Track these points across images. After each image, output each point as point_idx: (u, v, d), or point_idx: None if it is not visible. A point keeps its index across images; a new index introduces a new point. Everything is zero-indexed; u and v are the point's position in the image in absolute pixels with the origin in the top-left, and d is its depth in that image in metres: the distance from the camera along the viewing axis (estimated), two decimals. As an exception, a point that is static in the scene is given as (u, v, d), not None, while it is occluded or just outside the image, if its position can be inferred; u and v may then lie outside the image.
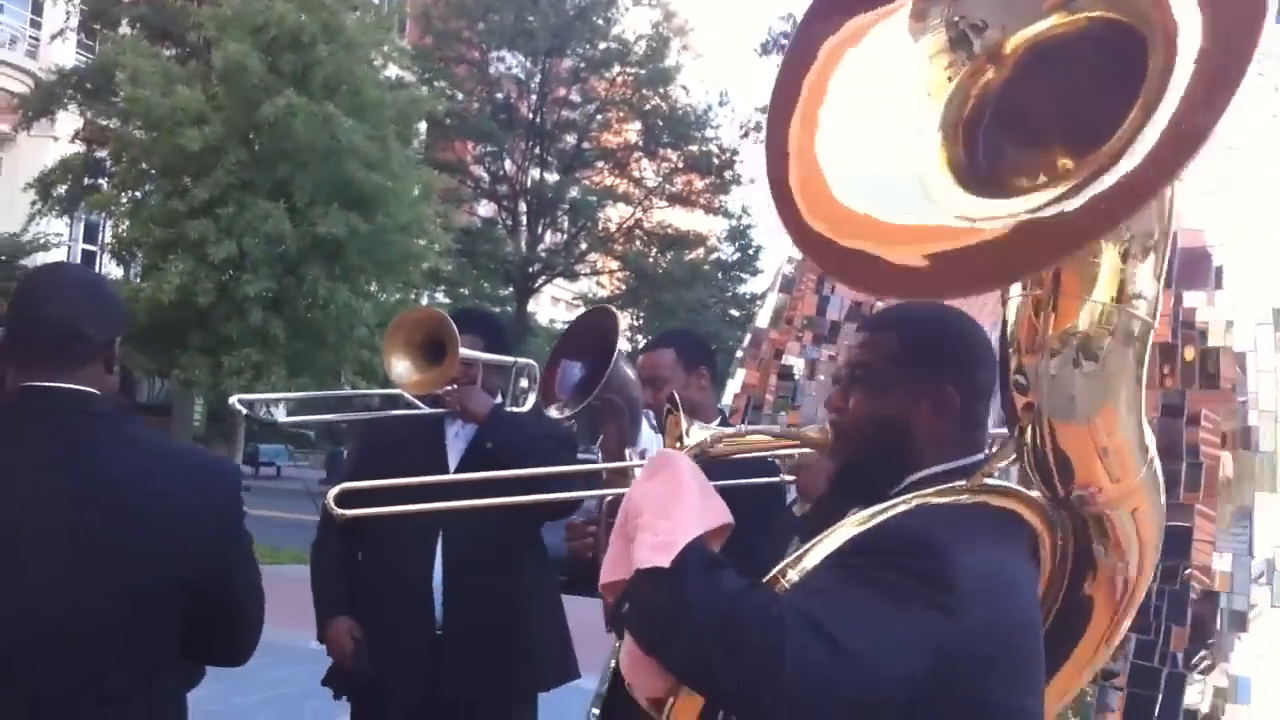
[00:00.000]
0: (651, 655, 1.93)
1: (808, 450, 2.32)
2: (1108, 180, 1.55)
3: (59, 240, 34.89)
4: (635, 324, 37.84)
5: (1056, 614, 2.01)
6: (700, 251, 39.96)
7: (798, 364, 4.74)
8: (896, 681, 1.72)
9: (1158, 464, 1.91)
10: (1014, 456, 1.90)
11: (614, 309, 3.59)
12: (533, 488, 3.14)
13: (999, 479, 1.97)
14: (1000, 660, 1.79)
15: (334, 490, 2.32)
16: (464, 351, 3.78)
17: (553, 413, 3.34)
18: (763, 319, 4.95)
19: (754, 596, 1.80)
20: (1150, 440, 1.87)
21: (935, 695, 1.74)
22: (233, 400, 3.76)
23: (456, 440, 4.05)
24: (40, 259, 34.78)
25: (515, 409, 4.13)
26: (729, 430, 2.35)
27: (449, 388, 3.90)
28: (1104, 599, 2.01)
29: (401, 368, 3.84)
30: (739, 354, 5.02)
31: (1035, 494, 1.92)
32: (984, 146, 1.87)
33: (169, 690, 2.41)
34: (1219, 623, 3.24)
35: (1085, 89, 1.88)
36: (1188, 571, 3.30)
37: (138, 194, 17.20)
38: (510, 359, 4.18)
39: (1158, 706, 3.27)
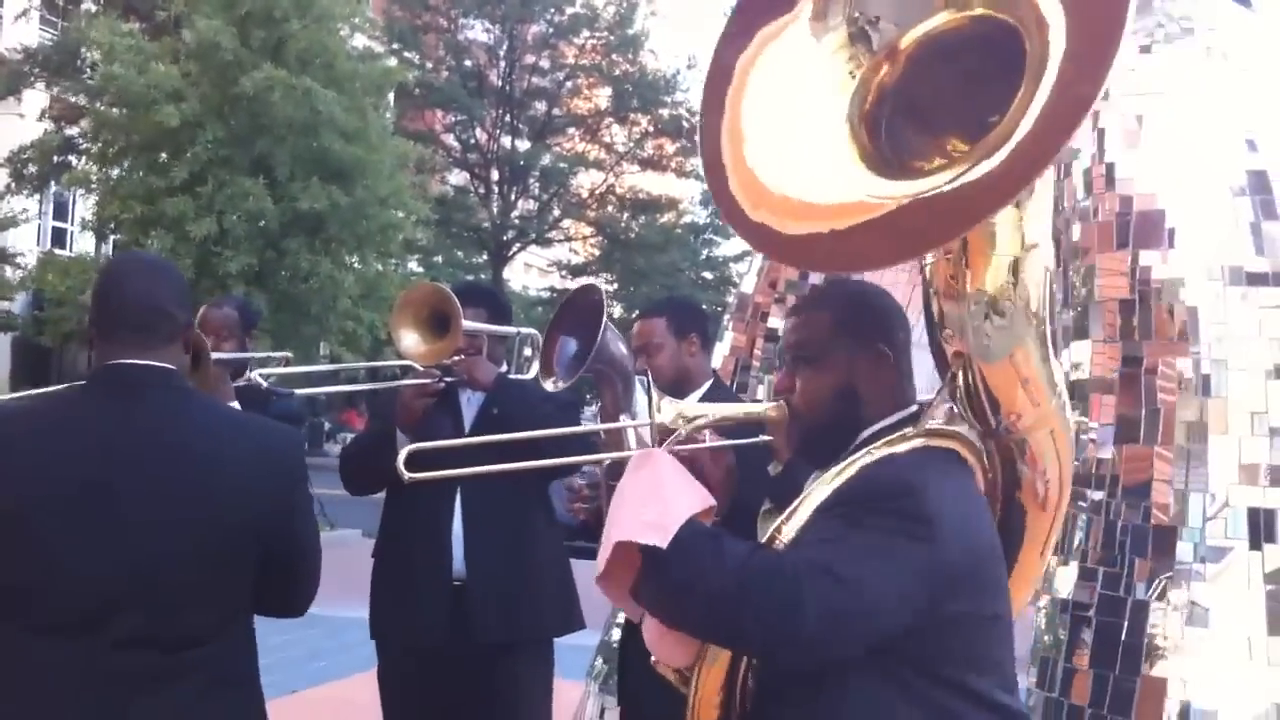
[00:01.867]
0: (675, 629, 2.19)
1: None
2: (998, 157, 1.82)
3: (27, 217, 34.81)
4: (609, 289, 37.97)
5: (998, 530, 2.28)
6: (672, 215, 40.05)
7: (782, 326, 5.00)
8: (901, 607, 2.00)
9: (1064, 393, 2.23)
10: (949, 400, 2.20)
11: (600, 286, 3.81)
12: (540, 448, 3.42)
13: (938, 422, 2.26)
14: (973, 577, 2.08)
15: (404, 451, 2.54)
16: (467, 324, 4.02)
17: (549, 386, 3.57)
18: (748, 284, 5.21)
19: (763, 556, 2.06)
20: (1058, 372, 2.18)
21: (925, 615, 2.02)
22: (254, 375, 3.97)
23: (469, 406, 4.28)
24: (10, 236, 34.73)
25: (520, 376, 4.36)
26: (698, 409, 2.50)
27: (457, 358, 4.14)
28: (1034, 511, 2.32)
29: (410, 340, 4.07)
30: (725, 318, 5.27)
31: (966, 431, 2.21)
32: (887, 135, 2.14)
33: (245, 633, 2.68)
34: (1177, 555, 3.53)
35: (973, 79, 2.16)
36: (1147, 507, 3.59)
37: (116, 171, 17.18)
38: (513, 329, 4.42)
39: (1124, 632, 3.56)
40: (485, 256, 37.56)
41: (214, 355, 3.99)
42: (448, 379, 4.20)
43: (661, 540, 2.06)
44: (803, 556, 2.01)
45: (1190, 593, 3.50)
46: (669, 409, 2.44)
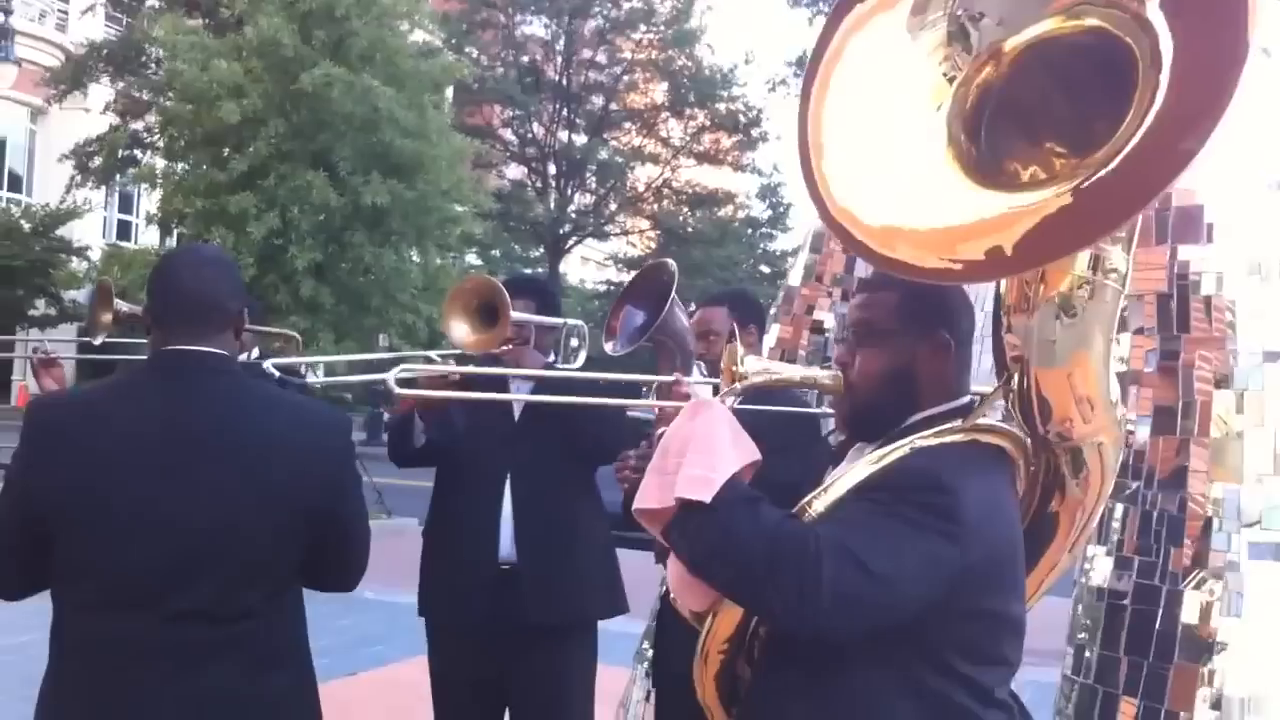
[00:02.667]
0: (698, 577, 2.27)
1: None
2: (1104, 185, 1.87)
3: (90, 208, 35.40)
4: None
5: (1027, 529, 2.35)
6: (729, 209, 40.07)
7: (828, 319, 5.07)
8: (916, 599, 2.08)
9: (1120, 409, 2.28)
10: (1002, 399, 2.26)
11: (672, 265, 3.95)
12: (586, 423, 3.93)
13: (989, 419, 2.31)
14: (994, 576, 2.16)
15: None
16: (515, 314, 4.13)
17: (609, 348, 3.74)
18: (794, 277, 5.28)
19: (791, 528, 2.12)
20: (1115, 390, 2.21)
21: (938, 608, 2.10)
22: (267, 364, 4.08)
23: (519, 394, 4.41)
24: (76, 228, 35.35)
25: (566, 366, 4.48)
26: (770, 364, 2.75)
27: (505, 347, 4.25)
28: (1066, 517, 2.39)
29: (460, 330, 4.18)
30: (773, 310, 5.34)
31: (1016, 430, 2.27)
32: (987, 137, 2.19)
33: (295, 608, 2.80)
34: (1212, 544, 3.58)
35: (1078, 89, 2.19)
36: (1183, 497, 3.64)
37: (182, 166, 17.49)
38: (560, 320, 4.53)
39: (1158, 620, 3.61)
40: (542, 250, 37.78)
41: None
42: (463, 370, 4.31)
43: (705, 495, 2.13)
44: (831, 535, 2.07)
45: (1226, 582, 3.54)
46: (753, 362, 2.55)
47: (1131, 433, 3.79)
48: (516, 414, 4.38)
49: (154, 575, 2.56)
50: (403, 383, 3.27)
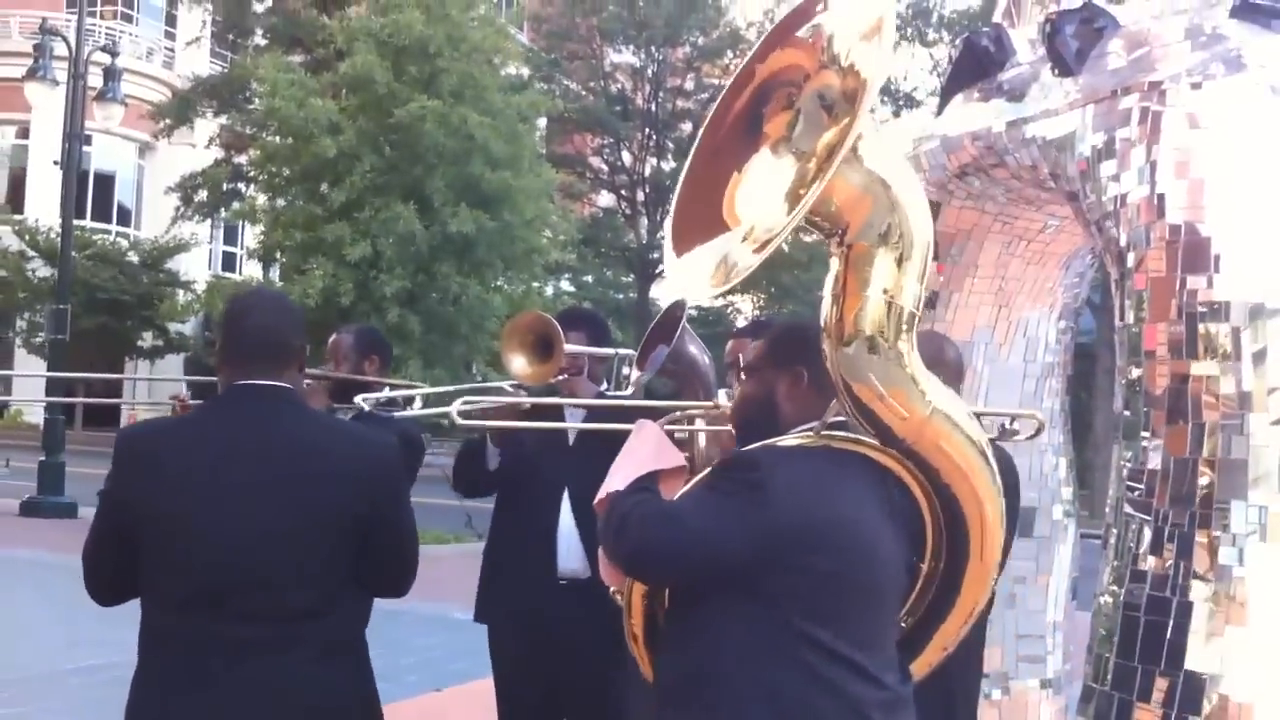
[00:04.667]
0: (605, 555, 2.82)
1: None
2: None
3: (197, 241, 36.48)
4: (757, 307, 38.27)
5: (946, 526, 2.76)
6: (817, 234, 40.11)
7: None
8: (726, 550, 2.54)
9: (947, 412, 2.59)
10: (843, 415, 2.63)
11: (684, 302, 4.29)
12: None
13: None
14: (821, 541, 2.54)
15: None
16: (568, 347, 4.44)
17: (636, 377, 4.07)
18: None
19: (645, 504, 2.70)
20: (931, 392, 2.56)
21: (769, 563, 2.52)
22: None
23: (573, 420, 4.69)
24: (183, 260, 36.48)
25: (619, 394, 4.76)
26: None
27: (561, 377, 4.56)
28: (970, 512, 2.73)
29: (518, 364, 4.48)
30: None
31: (867, 439, 2.65)
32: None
33: (351, 609, 3.13)
34: (1220, 559, 3.78)
35: None
36: (1193, 514, 3.84)
37: (280, 201, 18.11)
38: (610, 350, 4.81)
39: (1169, 631, 3.82)
40: (632, 276, 38.15)
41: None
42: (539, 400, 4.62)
43: (604, 493, 2.82)
44: (667, 507, 2.70)
45: (1233, 594, 3.74)
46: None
47: (1146, 450, 4.02)
48: (571, 438, 4.64)
49: (224, 580, 2.91)
50: (465, 414, 3.65)
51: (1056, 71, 4.60)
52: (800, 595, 2.55)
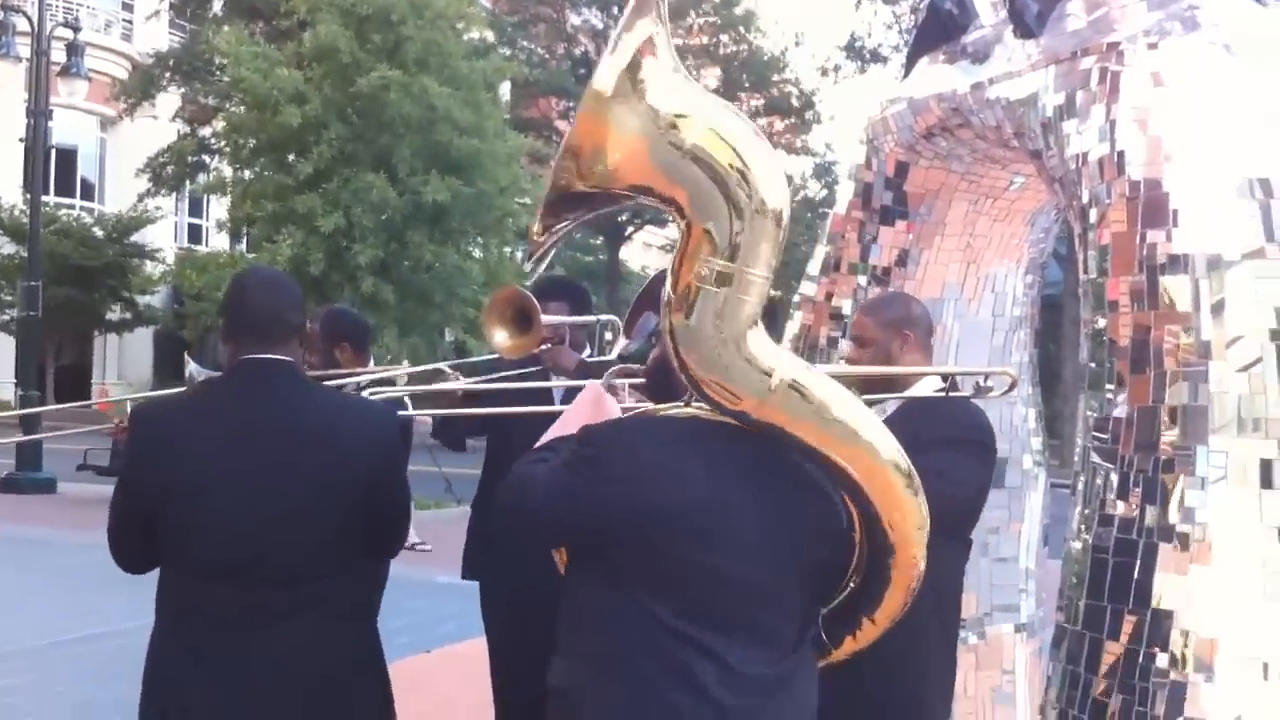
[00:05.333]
0: None
1: None
2: None
3: (163, 214, 36.28)
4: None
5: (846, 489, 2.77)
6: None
7: (846, 306, 5.46)
8: (560, 523, 2.71)
9: (792, 389, 2.59)
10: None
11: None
12: None
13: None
14: (648, 521, 2.58)
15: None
16: (546, 318, 4.56)
17: (624, 345, 4.16)
18: (814, 266, 5.68)
19: (529, 465, 2.81)
20: (772, 366, 2.57)
21: (602, 538, 2.63)
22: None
23: (559, 390, 4.78)
24: (149, 233, 36.28)
25: (602, 358, 4.89)
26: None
27: (544, 347, 4.68)
28: (858, 474, 2.72)
29: (499, 337, 4.61)
30: (795, 299, 5.74)
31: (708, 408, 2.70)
32: None
33: (360, 576, 3.29)
34: (1185, 501, 3.94)
35: None
36: (1156, 459, 4.00)
37: (247, 173, 18.09)
38: (592, 318, 4.95)
39: (1136, 571, 3.97)
40: (601, 239, 38.20)
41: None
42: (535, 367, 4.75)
43: None
44: (524, 471, 2.80)
45: (1197, 535, 3.90)
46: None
47: (1110, 400, 4.17)
48: (557, 401, 4.77)
49: (238, 548, 3.06)
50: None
51: (1018, 34, 4.73)
52: (640, 571, 2.60)
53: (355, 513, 3.16)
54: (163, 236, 38.43)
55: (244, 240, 24.58)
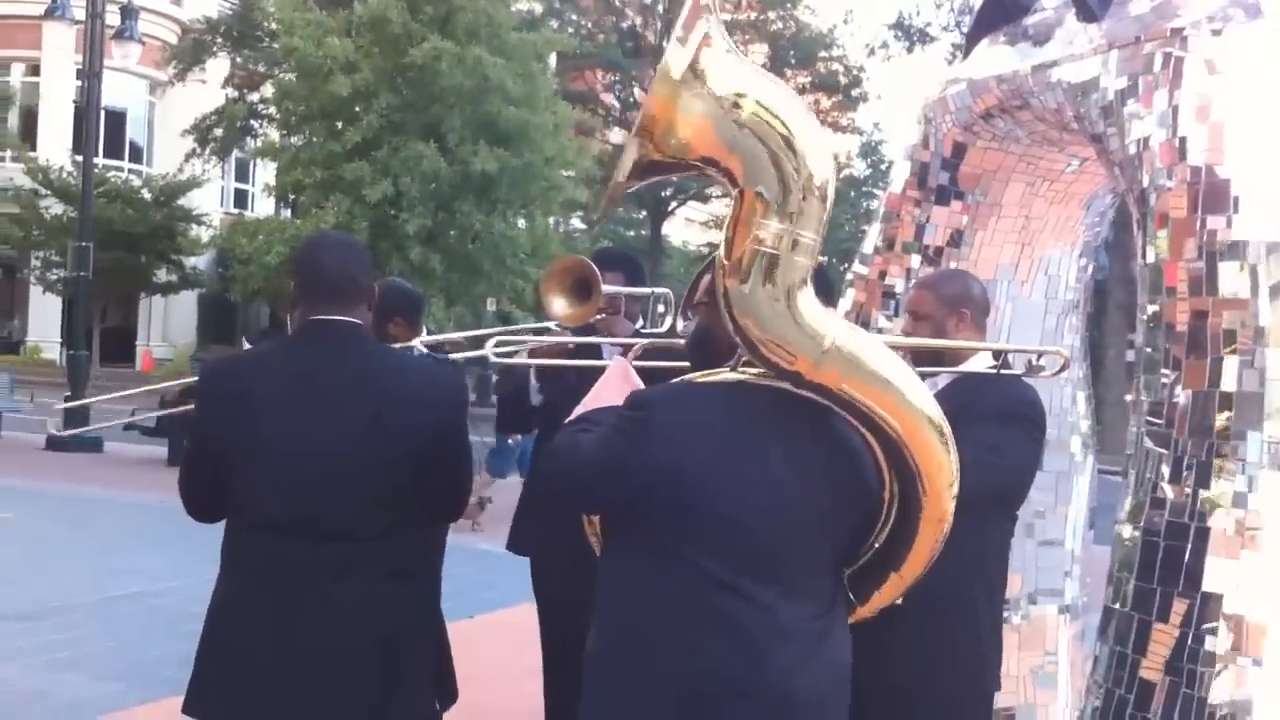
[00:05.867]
0: None
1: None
2: None
3: (209, 178, 36.57)
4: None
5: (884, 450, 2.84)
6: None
7: (900, 284, 5.48)
8: (603, 481, 2.74)
9: (843, 349, 2.69)
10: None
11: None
12: None
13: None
14: (694, 480, 2.67)
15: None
16: (606, 287, 4.61)
17: (682, 321, 4.19)
18: (868, 245, 5.71)
19: (564, 437, 2.87)
20: (823, 328, 2.68)
21: (649, 497, 2.70)
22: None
23: (610, 358, 4.87)
24: (195, 197, 36.57)
25: (655, 330, 4.94)
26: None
27: (598, 317, 4.73)
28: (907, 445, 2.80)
29: (558, 305, 4.65)
30: (848, 277, 5.77)
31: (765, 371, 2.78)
32: None
33: (419, 538, 3.38)
34: (1235, 486, 3.96)
35: None
36: (1210, 444, 4.02)
37: (297, 140, 18.20)
38: (647, 290, 4.99)
39: (1187, 555, 4.00)
40: (644, 214, 38.19)
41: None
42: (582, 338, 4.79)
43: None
44: (571, 439, 2.85)
45: (1248, 521, 3.92)
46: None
47: (1166, 385, 4.19)
48: None
49: (301, 501, 3.14)
50: (500, 355, 3.84)
51: (1080, 17, 4.73)
52: (687, 529, 2.69)
53: (414, 474, 3.22)
54: (209, 201, 38.72)
55: (290, 207, 24.69)
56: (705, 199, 41.20)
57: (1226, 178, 4.09)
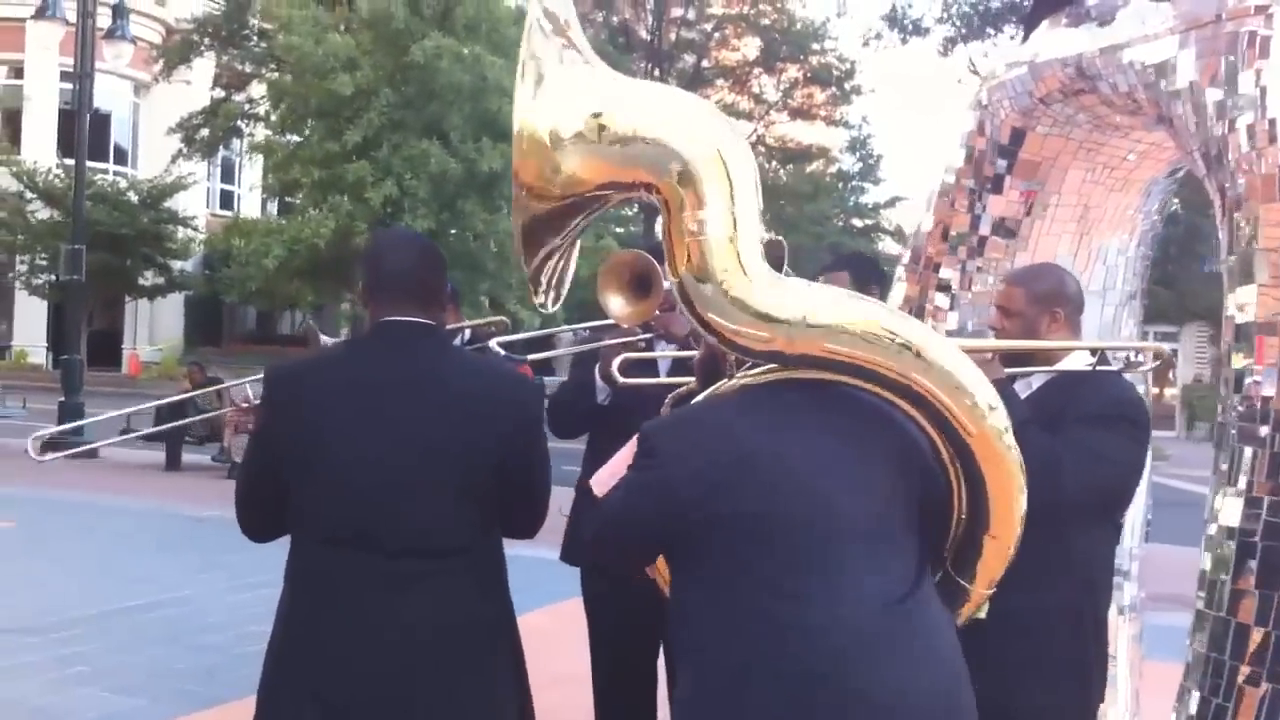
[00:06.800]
0: None
1: None
2: None
3: (195, 180, 36.27)
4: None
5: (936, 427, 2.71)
6: (821, 164, 40.03)
7: (954, 276, 5.31)
8: (641, 522, 2.64)
9: (809, 320, 2.60)
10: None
11: (783, 241, 4.22)
12: None
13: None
14: (714, 488, 2.57)
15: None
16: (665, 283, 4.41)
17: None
18: (920, 235, 5.53)
19: (598, 503, 2.78)
20: (789, 300, 2.61)
21: (678, 524, 2.59)
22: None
23: (664, 362, 4.63)
24: (181, 199, 36.27)
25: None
26: None
27: (655, 314, 4.53)
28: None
29: (615, 304, 4.42)
30: (899, 268, 5.59)
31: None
32: None
33: (493, 547, 3.16)
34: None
35: None
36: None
37: (293, 138, 17.95)
38: None
39: (1287, 556, 3.84)
40: (638, 209, 38.02)
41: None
42: (647, 335, 4.61)
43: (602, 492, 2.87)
44: (601, 501, 2.78)
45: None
46: None
47: (1257, 382, 4.02)
48: (663, 373, 4.63)
49: (369, 513, 2.94)
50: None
51: (1153, -4, 4.55)
52: (725, 542, 2.57)
53: (490, 484, 3.04)
54: (195, 203, 38.46)
55: (276, 205, 24.42)
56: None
57: (1322, 160, 3.91)
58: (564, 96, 2.60)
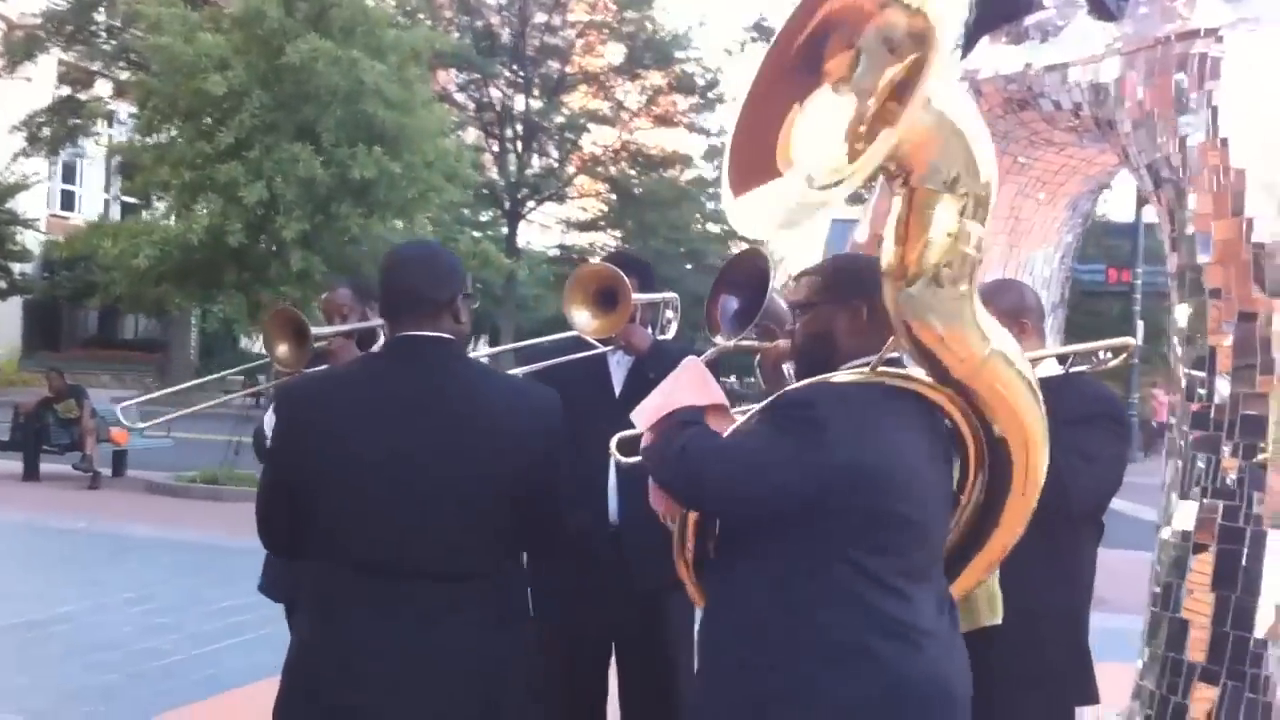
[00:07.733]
0: (657, 483, 2.95)
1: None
2: None
3: (37, 179, 34.94)
4: (619, 246, 38.22)
5: (990, 463, 2.88)
6: (677, 170, 40.30)
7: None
8: (783, 486, 2.63)
9: (1004, 352, 2.68)
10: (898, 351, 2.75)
11: (765, 251, 4.18)
12: None
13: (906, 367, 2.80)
14: (872, 481, 2.63)
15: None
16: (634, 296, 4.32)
17: (719, 341, 3.96)
18: (860, 233, 5.60)
19: (701, 437, 2.80)
20: (990, 333, 2.64)
21: (824, 499, 2.61)
22: None
23: (618, 369, 4.54)
24: (22, 200, 34.88)
25: (663, 337, 4.69)
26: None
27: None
28: (1015, 450, 2.84)
29: (582, 318, 4.33)
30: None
31: (921, 374, 2.74)
32: None
33: (518, 571, 3.10)
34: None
35: None
36: (1262, 445, 4.00)
37: (160, 138, 17.37)
38: (660, 295, 4.71)
39: (1243, 558, 3.98)
40: (495, 213, 37.82)
41: (330, 330, 4.46)
42: (607, 347, 4.51)
43: (647, 423, 2.95)
44: (721, 443, 2.79)
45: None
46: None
47: (1209, 391, 4.15)
48: (618, 387, 4.56)
49: (388, 536, 2.85)
50: None
51: (1096, 16, 4.68)
52: (852, 530, 2.64)
53: (511, 500, 2.95)
54: (35, 204, 37.09)
55: (119, 207, 23.63)
56: (562, 200, 41.00)
57: (1271, 179, 4.06)
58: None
